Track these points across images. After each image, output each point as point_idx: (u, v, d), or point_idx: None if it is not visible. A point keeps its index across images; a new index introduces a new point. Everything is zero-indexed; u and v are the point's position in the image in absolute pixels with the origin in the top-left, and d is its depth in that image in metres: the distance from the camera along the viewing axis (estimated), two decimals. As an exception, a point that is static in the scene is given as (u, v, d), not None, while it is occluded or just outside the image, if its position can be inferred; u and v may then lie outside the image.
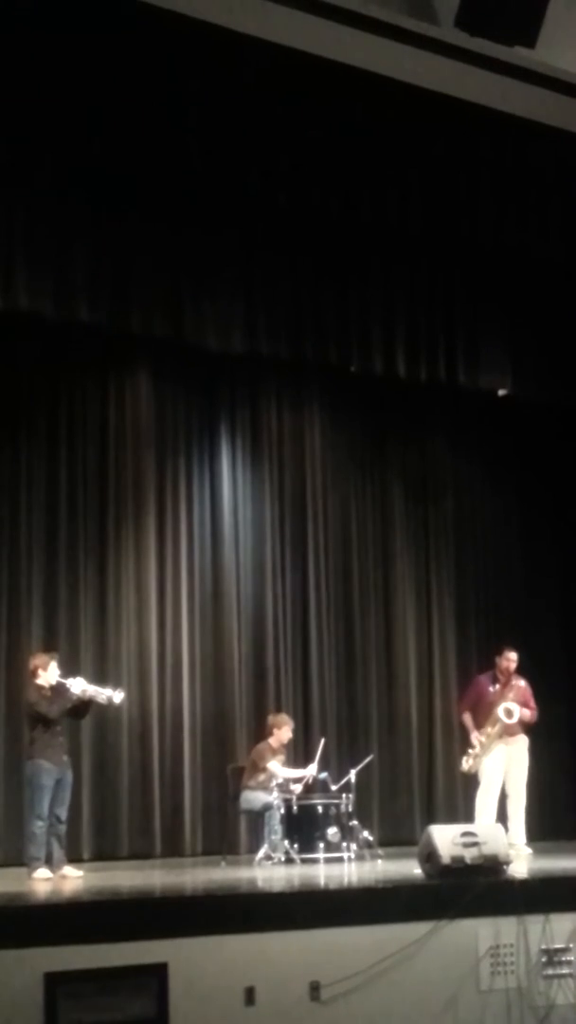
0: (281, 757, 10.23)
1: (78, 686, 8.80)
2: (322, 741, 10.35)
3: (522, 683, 10.27)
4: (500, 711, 10.00)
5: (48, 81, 8.50)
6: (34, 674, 8.89)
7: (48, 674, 8.85)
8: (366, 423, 12.50)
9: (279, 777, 9.86)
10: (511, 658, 10.27)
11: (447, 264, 10.82)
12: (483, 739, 10.10)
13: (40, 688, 8.81)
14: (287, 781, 9.85)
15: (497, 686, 10.21)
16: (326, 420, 12.29)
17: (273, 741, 10.27)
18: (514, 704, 10.01)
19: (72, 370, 11.06)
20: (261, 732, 10.60)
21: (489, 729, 10.08)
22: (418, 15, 9.23)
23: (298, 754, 11.28)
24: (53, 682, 8.84)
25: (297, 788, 9.85)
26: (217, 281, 9.76)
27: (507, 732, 10.07)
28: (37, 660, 9.00)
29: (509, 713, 9.98)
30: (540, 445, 12.94)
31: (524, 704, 10.12)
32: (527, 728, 10.26)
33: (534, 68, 9.66)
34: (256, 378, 11.80)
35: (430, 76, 9.62)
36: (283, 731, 10.30)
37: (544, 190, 10.52)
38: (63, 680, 8.86)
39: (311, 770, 10.02)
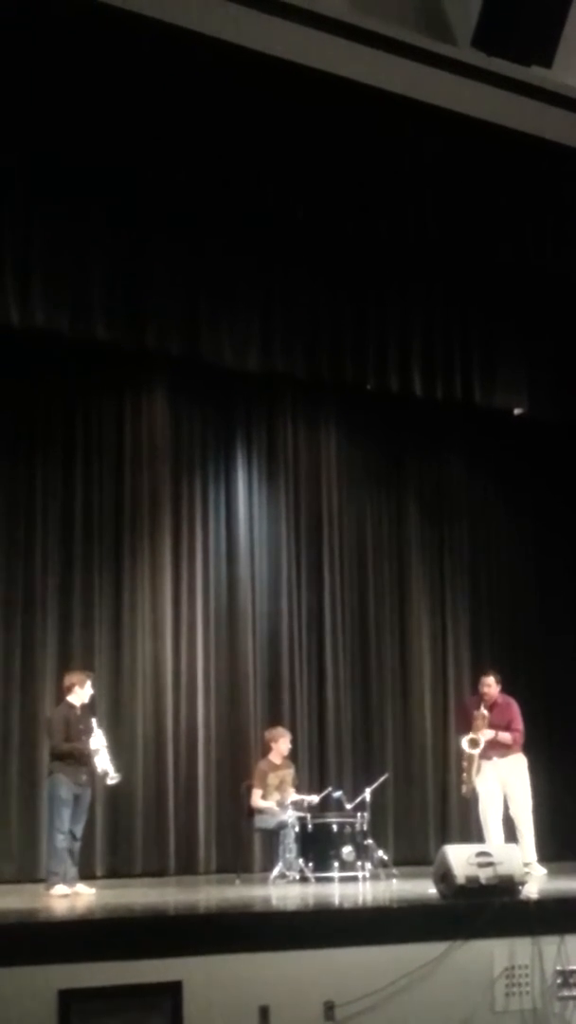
0: (286, 772, 10.19)
1: (97, 742, 8.72)
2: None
3: (510, 703, 10.09)
4: (464, 743, 9.94)
5: (66, 99, 8.55)
6: (69, 690, 8.87)
7: (83, 692, 8.84)
8: (382, 442, 12.50)
9: (287, 798, 9.86)
10: (488, 683, 10.10)
11: (464, 282, 10.85)
12: (464, 763, 10.03)
13: (71, 707, 8.79)
14: (292, 804, 9.80)
15: (482, 710, 10.04)
16: (342, 438, 12.30)
17: (273, 756, 10.26)
18: (482, 734, 9.86)
19: (88, 388, 11.09)
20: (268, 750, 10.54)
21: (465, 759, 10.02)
22: (436, 35, 9.30)
23: (312, 772, 11.27)
24: (86, 700, 8.84)
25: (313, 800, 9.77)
26: (234, 299, 9.82)
27: (496, 752, 9.93)
28: (74, 678, 8.97)
29: (474, 744, 9.88)
30: (556, 464, 12.91)
31: (507, 726, 9.95)
32: (524, 747, 10.10)
33: (551, 88, 9.72)
34: (272, 396, 11.82)
35: (447, 95, 9.67)
36: (280, 743, 10.27)
37: (560, 209, 10.55)
38: (92, 710, 8.84)
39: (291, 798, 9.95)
